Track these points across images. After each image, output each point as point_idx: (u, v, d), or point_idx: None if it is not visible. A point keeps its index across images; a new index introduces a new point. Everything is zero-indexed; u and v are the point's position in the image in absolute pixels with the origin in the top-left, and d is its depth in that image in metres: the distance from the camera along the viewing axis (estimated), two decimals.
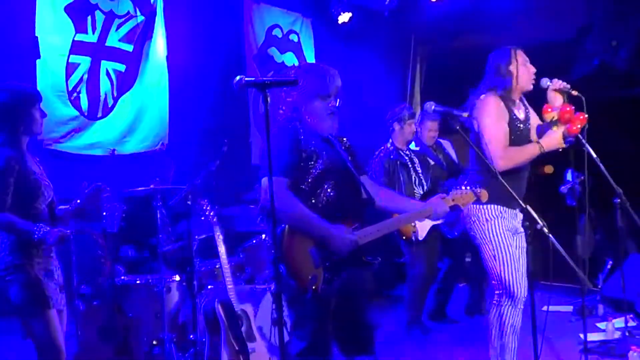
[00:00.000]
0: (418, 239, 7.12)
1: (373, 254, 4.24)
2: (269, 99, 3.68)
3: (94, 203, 4.38)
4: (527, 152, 5.07)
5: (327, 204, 4.12)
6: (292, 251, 4.02)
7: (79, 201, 4.32)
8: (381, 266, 4.36)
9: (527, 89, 5.25)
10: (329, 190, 4.14)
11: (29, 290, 4.31)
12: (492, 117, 5.06)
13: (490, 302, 5.27)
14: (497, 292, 5.15)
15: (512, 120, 5.11)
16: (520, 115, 5.20)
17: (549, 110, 5.14)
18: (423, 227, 7.11)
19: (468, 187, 4.44)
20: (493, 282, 5.18)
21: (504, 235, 5.07)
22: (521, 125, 5.15)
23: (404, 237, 7.15)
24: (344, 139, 4.53)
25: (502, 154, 4.99)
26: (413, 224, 6.95)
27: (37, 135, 4.62)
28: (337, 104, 4.29)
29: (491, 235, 5.09)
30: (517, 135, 5.12)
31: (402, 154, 7.34)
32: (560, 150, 5.15)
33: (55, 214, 4.57)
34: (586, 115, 5.05)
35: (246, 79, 3.68)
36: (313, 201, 4.10)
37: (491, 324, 5.19)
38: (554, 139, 5.08)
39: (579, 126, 5.07)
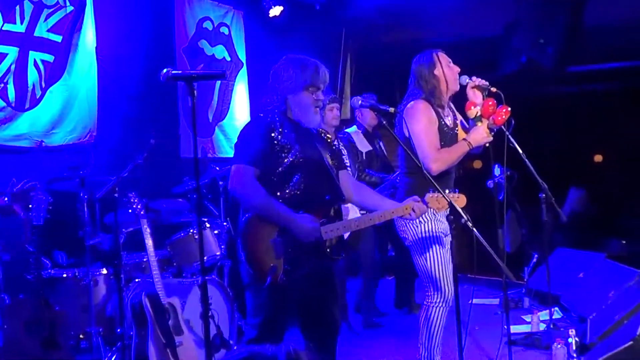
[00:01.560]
0: None
1: (337, 250, 4.30)
2: (195, 92, 3.71)
3: (21, 201, 4.35)
4: (457, 152, 5.17)
5: (293, 196, 4.17)
6: (255, 239, 4.08)
7: (6, 199, 4.28)
8: None
9: (454, 90, 5.35)
10: (297, 183, 4.19)
11: None
12: (422, 123, 5.14)
13: (421, 302, 5.37)
14: (428, 293, 5.25)
15: (441, 127, 5.20)
16: (449, 121, 5.30)
17: (472, 107, 5.25)
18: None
19: (447, 191, 4.49)
20: (425, 283, 5.27)
21: (437, 237, 5.15)
22: (450, 132, 5.26)
23: None
24: (328, 134, 4.58)
25: (434, 156, 5.08)
26: None
27: None
28: (322, 97, 4.35)
29: (425, 238, 5.17)
30: (447, 142, 5.21)
31: None
32: (487, 145, 5.27)
33: None
34: (509, 108, 5.18)
35: (173, 71, 3.71)
36: (279, 193, 4.15)
37: (422, 323, 5.28)
38: (480, 134, 5.19)
39: (504, 117, 5.20)
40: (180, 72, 3.77)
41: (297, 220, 4.08)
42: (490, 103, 5.18)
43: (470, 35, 10.24)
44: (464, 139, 5.19)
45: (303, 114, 4.31)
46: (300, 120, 4.32)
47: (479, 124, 5.22)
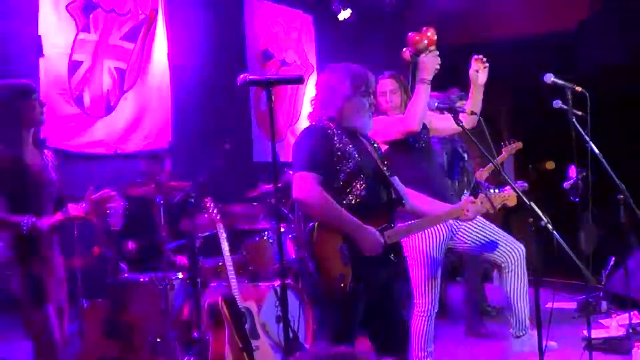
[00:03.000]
0: None
1: (398, 254, 4.26)
2: (273, 97, 3.69)
3: (100, 209, 4.37)
4: (419, 95, 5.11)
5: (357, 202, 4.10)
6: (321, 248, 4.01)
7: (84, 205, 4.30)
8: None
9: None
10: (360, 189, 4.14)
11: (27, 285, 4.31)
12: None
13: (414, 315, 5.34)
14: (423, 307, 5.24)
15: None
16: None
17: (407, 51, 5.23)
18: None
19: (496, 190, 4.43)
20: (416, 300, 5.29)
21: (433, 248, 5.17)
22: None
23: None
24: (375, 141, 4.54)
25: (402, 118, 5.20)
26: None
27: (39, 125, 4.59)
28: (373, 103, 4.32)
29: (423, 254, 5.20)
30: None
31: None
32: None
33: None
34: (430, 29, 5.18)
35: (250, 77, 3.70)
36: (344, 200, 4.09)
37: (416, 335, 5.26)
38: (427, 62, 5.10)
39: (428, 34, 5.14)
40: (257, 77, 3.75)
41: (363, 232, 4.03)
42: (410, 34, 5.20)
43: (543, 33, 10.05)
44: (419, 80, 5.10)
45: (358, 119, 4.25)
46: (356, 125, 4.26)
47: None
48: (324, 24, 10.75)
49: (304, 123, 9.86)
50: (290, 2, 10.34)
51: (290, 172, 4.19)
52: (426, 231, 5.01)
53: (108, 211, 4.63)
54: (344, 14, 10.34)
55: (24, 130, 4.42)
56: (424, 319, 5.23)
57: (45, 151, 4.60)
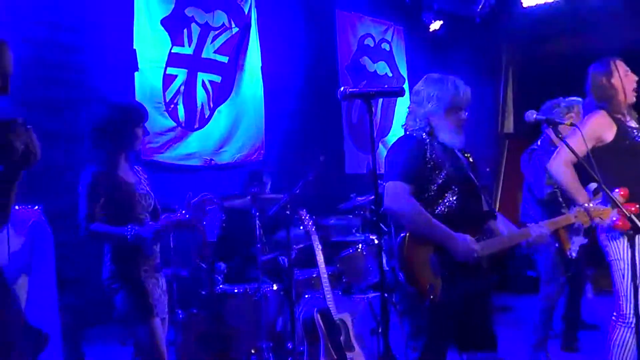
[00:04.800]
0: (572, 255, 6.75)
1: (492, 267, 4.18)
2: (372, 109, 3.65)
3: (199, 214, 4.40)
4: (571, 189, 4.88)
5: (448, 213, 4.06)
6: (412, 259, 3.96)
7: (184, 212, 4.33)
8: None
9: (631, 102, 5.07)
10: (451, 200, 4.09)
11: (134, 298, 4.35)
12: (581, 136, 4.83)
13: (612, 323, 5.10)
14: (621, 312, 4.98)
15: (627, 131, 4.91)
16: (633, 124, 5.01)
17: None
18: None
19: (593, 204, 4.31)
20: (619, 302, 5.00)
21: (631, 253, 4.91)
22: (637, 133, 4.96)
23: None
24: (467, 153, 4.48)
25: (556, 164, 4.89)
26: (571, 239, 6.66)
27: (134, 151, 4.67)
28: (465, 116, 4.25)
29: (622, 253, 4.92)
30: (633, 143, 4.94)
31: None
32: None
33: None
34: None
35: (350, 89, 3.66)
36: (435, 210, 4.05)
37: (616, 345, 5.02)
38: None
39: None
40: (357, 89, 3.71)
41: (456, 238, 3.96)
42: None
43: None
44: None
45: (447, 135, 4.19)
46: (445, 141, 4.21)
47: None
48: (414, 36, 10.70)
49: (395, 134, 9.82)
50: (382, 14, 10.33)
51: (382, 183, 4.14)
52: (637, 239, 4.80)
53: (204, 222, 4.66)
54: (435, 25, 10.27)
55: (122, 152, 4.49)
56: (626, 328, 4.91)
57: (135, 167, 4.67)
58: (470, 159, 4.42)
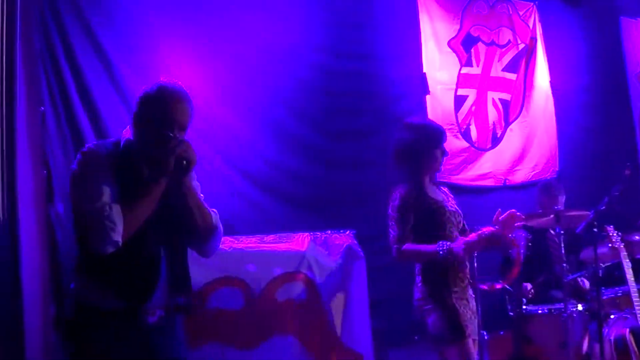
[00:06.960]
0: None
1: None
2: None
3: (508, 229, 4.37)
4: None
5: None
6: None
7: (495, 227, 4.32)
8: None
9: None
10: None
11: (445, 320, 4.38)
12: None
13: None
14: None
15: None
16: None
17: None
18: None
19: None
20: None
21: None
22: None
23: None
24: None
25: None
26: None
27: (436, 172, 4.73)
28: None
29: None
30: None
31: None
32: None
33: None
34: None
35: None
36: None
37: None
38: None
39: None
40: None
41: None
42: None
43: None
44: None
45: None
46: None
47: None
48: None
49: None
50: None
51: None
52: None
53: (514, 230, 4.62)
54: None
55: (423, 173, 4.56)
56: None
57: (441, 187, 4.72)
58: None
